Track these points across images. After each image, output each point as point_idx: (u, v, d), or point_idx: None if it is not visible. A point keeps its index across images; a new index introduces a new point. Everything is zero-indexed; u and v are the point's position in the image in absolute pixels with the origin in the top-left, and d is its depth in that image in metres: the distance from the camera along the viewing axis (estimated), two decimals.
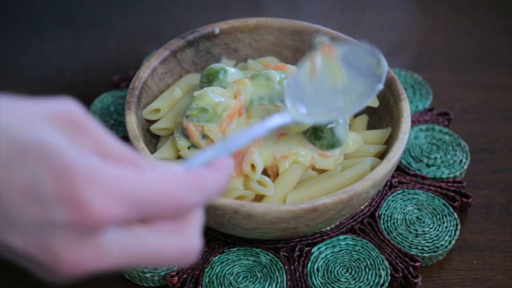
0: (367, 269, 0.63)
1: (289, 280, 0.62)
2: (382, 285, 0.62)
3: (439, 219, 0.68)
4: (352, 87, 0.63)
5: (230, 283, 0.62)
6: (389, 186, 0.71)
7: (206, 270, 0.63)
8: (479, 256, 0.67)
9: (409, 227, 0.67)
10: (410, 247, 0.65)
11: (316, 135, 0.64)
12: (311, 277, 0.62)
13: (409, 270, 0.63)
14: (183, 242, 0.40)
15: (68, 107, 0.39)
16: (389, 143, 0.67)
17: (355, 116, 0.73)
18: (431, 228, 0.67)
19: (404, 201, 0.70)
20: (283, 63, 0.71)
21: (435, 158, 0.74)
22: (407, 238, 0.66)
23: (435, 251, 0.65)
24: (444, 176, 0.72)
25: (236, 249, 0.65)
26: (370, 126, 0.73)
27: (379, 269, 0.63)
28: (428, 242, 0.66)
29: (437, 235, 0.66)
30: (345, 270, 0.63)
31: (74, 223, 0.36)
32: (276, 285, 0.62)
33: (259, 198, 0.63)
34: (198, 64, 0.76)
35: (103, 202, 0.36)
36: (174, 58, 0.73)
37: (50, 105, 0.38)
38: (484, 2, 1.04)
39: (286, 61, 0.77)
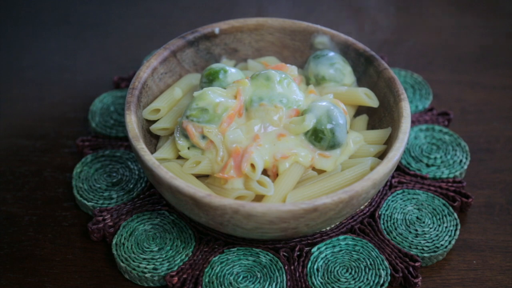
0: (367, 269, 0.63)
1: (289, 280, 0.62)
2: (382, 285, 0.62)
3: (439, 219, 0.68)
4: None
5: (230, 283, 0.62)
6: (389, 186, 0.71)
7: (206, 270, 0.63)
8: (479, 256, 0.67)
9: (409, 227, 0.67)
10: (410, 247, 0.65)
11: (317, 136, 0.64)
12: (311, 277, 0.62)
13: (409, 270, 0.63)
14: None
15: None
16: (389, 143, 0.67)
17: (355, 116, 0.73)
18: (431, 228, 0.67)
19: (404, 201, 0.70)
20: (283, 63, 0.70)
21: (435, 158, 0.74)
22: (407, 238, 0.66)
23: (435, 251, 0.65)
24: (444, 176, 0.72)
25: (236, 249, 0.65)
26: (370, 126, 0.73)
27: (379, 269, 0.63)
28: (428, 242, 0.66)
29: (437, 235, 0.66)
30: (345, 270, 0.63)
31: None
32: (276, 285, 0.62)
33: (259, 198, 0.63)
34: (198, 64, 0.76)
35: None
36: (174, 58, 0.73)
37: None
38: (484, 2, 1.04)
39: (286, 61, 0.77)
